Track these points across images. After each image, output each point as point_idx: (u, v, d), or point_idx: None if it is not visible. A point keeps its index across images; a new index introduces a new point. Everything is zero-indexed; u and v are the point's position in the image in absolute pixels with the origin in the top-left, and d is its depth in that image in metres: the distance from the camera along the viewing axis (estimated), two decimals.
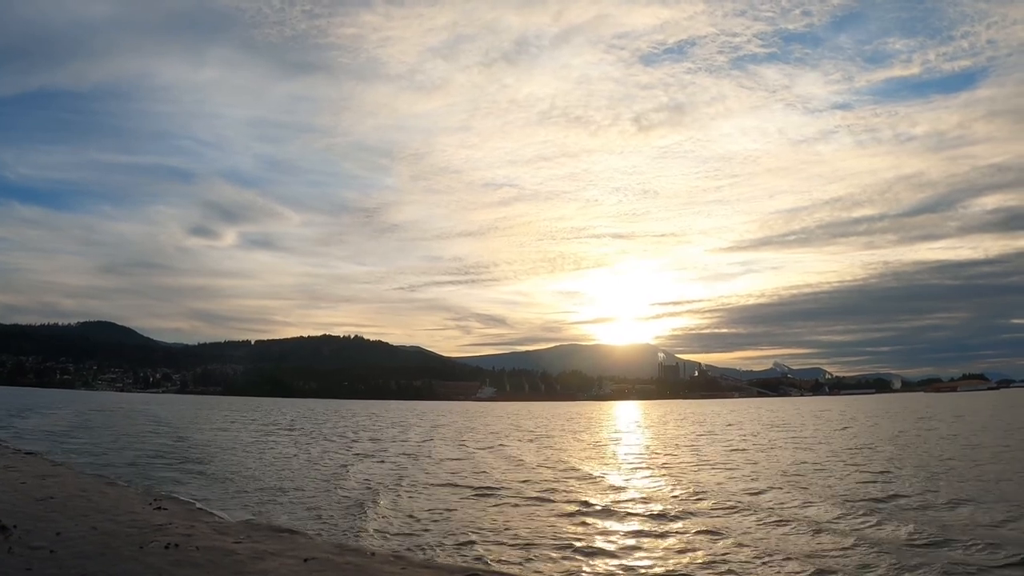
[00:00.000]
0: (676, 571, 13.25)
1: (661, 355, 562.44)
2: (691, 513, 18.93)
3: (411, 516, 17.31)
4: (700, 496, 21.90)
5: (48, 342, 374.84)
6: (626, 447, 44.31)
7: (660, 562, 13.91)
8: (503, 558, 13.08)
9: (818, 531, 16.51)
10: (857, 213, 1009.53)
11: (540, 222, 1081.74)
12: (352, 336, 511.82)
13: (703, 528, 16.87)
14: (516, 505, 19.70)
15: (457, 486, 23.48)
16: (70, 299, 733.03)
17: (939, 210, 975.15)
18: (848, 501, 20.60)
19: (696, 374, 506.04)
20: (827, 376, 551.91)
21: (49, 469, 22.36)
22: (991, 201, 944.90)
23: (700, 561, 13.83)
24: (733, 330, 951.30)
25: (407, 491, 21.76)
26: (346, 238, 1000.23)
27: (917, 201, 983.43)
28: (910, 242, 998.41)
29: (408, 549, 13.20)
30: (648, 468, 31.18)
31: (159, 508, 15.40)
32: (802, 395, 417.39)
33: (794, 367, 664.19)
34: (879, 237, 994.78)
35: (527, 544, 14.39)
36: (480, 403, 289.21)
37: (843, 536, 15.87)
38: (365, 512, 17.29)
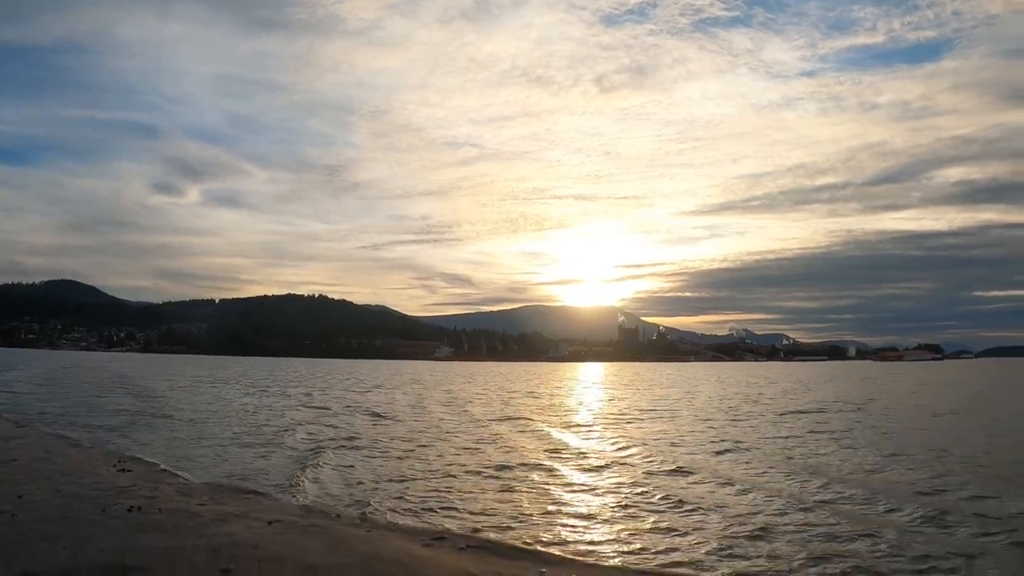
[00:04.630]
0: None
1: (621, 318, 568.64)
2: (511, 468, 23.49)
3: (352, 476, 19.33)
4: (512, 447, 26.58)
5: (12, 301, 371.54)
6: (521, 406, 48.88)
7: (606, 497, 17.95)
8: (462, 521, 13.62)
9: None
10: (820, 181, 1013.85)
11: (502, 182, 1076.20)
12: (316, 295, 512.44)
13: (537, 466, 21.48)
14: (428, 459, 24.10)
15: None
16: (34, 257, 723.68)
17: (902, 180, 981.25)
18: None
19: (655, 337, 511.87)
20: (785, 342, 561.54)
21: (12, 431, 22.62)
22: (955, 173, 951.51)
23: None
24: (697, 294, 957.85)
25: (350, 450, 24.66)
26: (310, 195, 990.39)
27: (880, 170, 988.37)
28: (873, 211, 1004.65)
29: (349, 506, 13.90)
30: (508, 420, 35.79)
31: (123, 470, 15.70)
32: (757, 360, 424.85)
33: (757, 332, 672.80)
34: (842, 205, 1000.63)
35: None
36: (436, 363, 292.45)
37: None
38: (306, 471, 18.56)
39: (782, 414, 41.02)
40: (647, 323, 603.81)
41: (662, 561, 11.40)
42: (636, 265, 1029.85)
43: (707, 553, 11.91)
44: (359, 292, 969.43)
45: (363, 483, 17.39)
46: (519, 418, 37.70)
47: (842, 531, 13.45)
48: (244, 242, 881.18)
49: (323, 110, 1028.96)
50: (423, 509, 14.56)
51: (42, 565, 8.34)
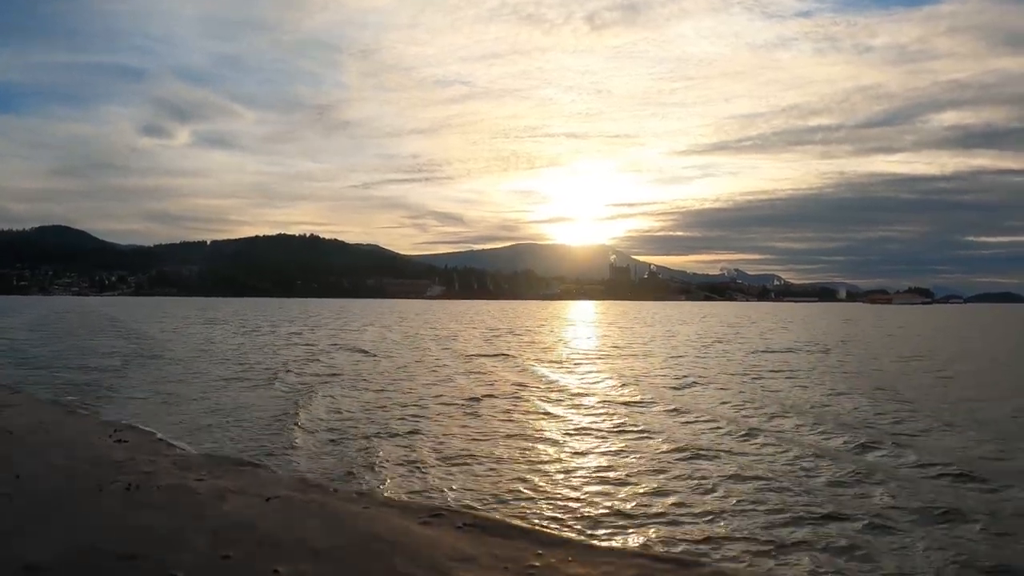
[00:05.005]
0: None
1: (613, 257, 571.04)
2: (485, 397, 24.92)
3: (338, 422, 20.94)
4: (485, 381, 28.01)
5: (3, 248, 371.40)
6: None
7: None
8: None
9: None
10: (814, 122, 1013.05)
11: (493, 120, 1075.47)
12: (308, 235, 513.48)
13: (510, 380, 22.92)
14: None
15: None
16: (22, 203, 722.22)
17: (896, 123, 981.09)
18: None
19: (646, 276, 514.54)
20: (777, 283, 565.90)
21: (7, 398, 21.69)
22: (949, 118, 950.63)
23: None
24: (689, 234, 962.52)
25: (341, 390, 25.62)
26: (299, 135, 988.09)
27: (874, 113, 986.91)
28: (866, 153, 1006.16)
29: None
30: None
31: (120, 441, 15.04)
32: (748, 300, 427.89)
33: (749, 272, 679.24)
34: (836, 147, 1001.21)
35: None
36: (427, 301, 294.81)
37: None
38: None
39: (752, 353, 42.64)
40: (639, 262, 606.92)
41: (601, 472, 12.81)
42: (628, 204, 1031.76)
43: (639, 470, 13.29)
44: (351, 231, 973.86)
45: (352, 417, 18.76)
46: (498, 354, 39.12)
47: (767, 453, 14.89)
48: (234, 183, 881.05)
49: (312, 50, 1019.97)
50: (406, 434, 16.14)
51: (45, 555, 8.34)
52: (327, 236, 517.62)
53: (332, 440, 16.10)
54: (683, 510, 11.01)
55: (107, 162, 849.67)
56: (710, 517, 10.67)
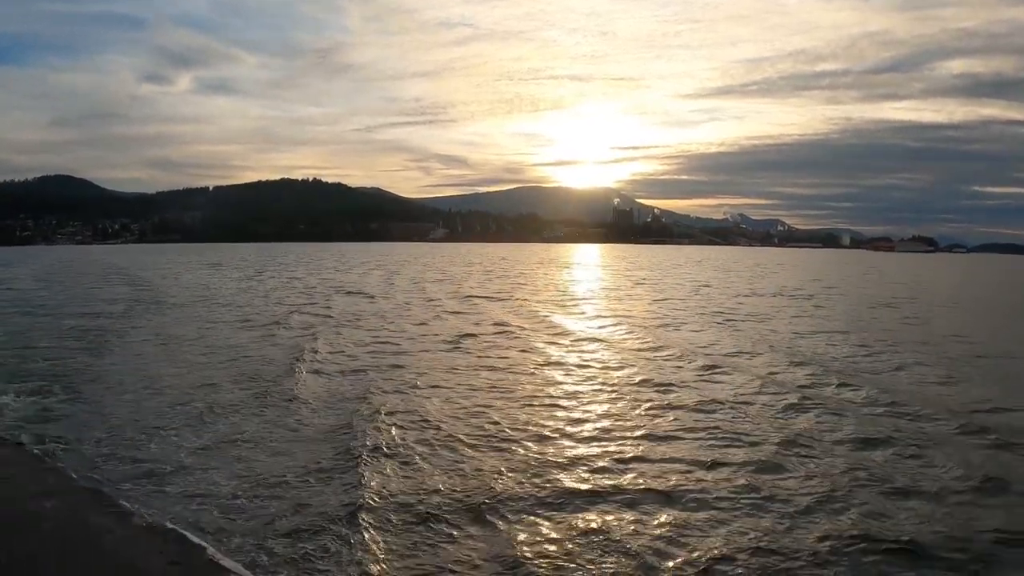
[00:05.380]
0: None
1: (616, 200, 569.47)
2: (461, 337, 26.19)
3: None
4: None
5: (4, 199, 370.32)
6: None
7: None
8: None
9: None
10: (820, 67, 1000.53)
11: (496, 62, 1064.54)
12: (311, 179, 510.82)
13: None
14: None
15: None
16: (24, 155, 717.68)
17: (904, 70, 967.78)
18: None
19: (650, 220, 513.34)
20: (780, 228, 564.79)
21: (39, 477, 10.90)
22: (958, 66, 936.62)
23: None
24: (693, 177, 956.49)
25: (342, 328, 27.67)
26: (301, 80, 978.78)
27: (882, 59, 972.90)
28: (873, 100, 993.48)
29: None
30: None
31: (173, 563, 8.66)
32: (751, 245, 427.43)
33: (754, 217, 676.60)
34: (842, 93, 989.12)
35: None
36: (430, 244, 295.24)
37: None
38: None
39: (735, 296, 44.23)
40: (643, 205, 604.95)
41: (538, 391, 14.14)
42: (632, 147, 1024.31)
43: (596, 397, 14.60)
44: (354, 175, 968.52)
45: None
46: (494, 296, 40.40)
47: (716, 385, 16.19)
48: (237, 129, 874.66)
49: None
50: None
51: None
52: (330, 180, 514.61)
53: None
54: (626, 433, 12.35)
55: (108, 111, 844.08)
56: (646, 440, 12.01)
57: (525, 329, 26.22)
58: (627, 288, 50.17)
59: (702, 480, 10.04)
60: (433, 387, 15.89)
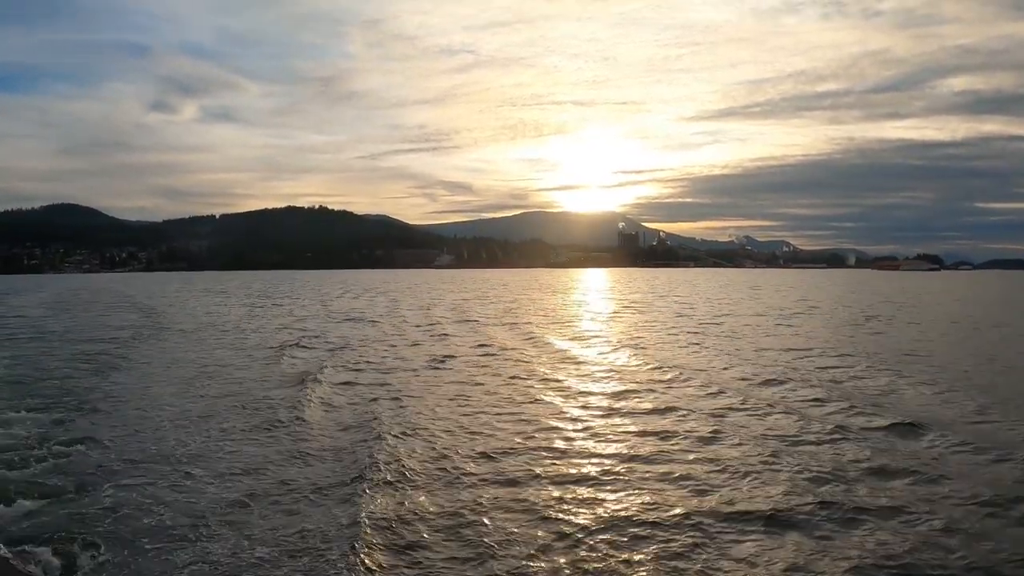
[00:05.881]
0: None
1: (621, 224, 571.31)
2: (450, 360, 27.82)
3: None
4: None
5: (13, 228, 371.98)
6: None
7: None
8: None
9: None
10: (821, 87, 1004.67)
11: (499, 89, 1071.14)
12: (317, 207, 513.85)
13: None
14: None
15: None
16: (31, 183, 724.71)
17: (905, 88, 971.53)
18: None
19: (655, 243, 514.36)
20: (786, 249, 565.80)
21: None
22: (958, 83, 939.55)
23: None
24: (698, 200, 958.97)
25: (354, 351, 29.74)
26: (305, 108, 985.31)
27: (883, 78, 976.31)
28: (875, 119, 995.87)
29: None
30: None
31: None
32: (756, 267, 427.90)
33: (759, 239, 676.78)
34: (844, 112, 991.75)
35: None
36: (435, 271, 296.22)
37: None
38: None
39: (716, 316, 46.23)
40: (648, 229, 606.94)
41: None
42: (636, 171, 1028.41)
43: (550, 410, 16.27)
44: (359, 202, 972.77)
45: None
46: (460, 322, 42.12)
47: (681, 389, 17.84)
48: (242, 157, 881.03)
49: (315, 22, 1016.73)
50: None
51: None
52: (336, 208, 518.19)
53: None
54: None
55: (114, 139, 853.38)
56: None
57: (505, 352, 27.87)
58: (613, 310, 52.05)
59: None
60: (437, 406, 17.34)
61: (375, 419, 15.67)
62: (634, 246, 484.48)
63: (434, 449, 13.30)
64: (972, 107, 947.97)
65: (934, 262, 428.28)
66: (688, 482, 11.31)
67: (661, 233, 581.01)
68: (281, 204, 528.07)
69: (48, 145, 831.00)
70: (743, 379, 20.82)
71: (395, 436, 14.17)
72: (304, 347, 29.66)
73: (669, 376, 21.37)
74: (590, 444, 13.76)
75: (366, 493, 10.72)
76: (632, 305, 58.92)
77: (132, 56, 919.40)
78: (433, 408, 17.01)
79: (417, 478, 11.56)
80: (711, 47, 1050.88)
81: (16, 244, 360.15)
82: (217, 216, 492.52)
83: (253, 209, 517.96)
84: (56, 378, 21.89)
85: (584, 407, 17.14)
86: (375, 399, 18.07)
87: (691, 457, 12.70)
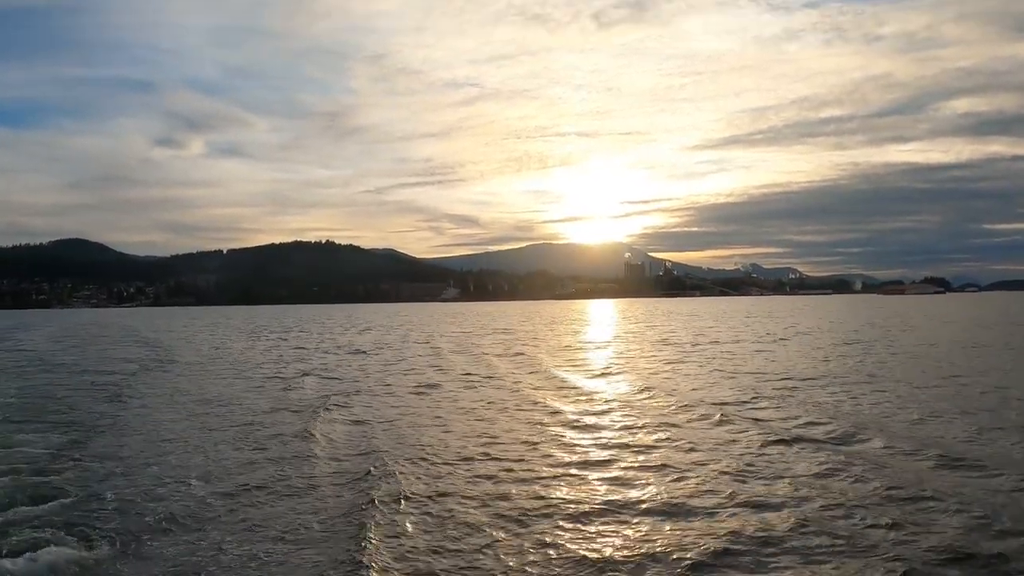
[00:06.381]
0: None
1: (627, 255, 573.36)
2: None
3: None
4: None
5: (21, 263, 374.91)
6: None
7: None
8: None
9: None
10: (825, 113, 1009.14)
11: (504, 121, 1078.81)
12: (323, 241, 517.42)
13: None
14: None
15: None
16: (39, 217, 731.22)
17: (908, 112, 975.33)
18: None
19: (661, 274, 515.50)
20: (792, 276, 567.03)
21: None
22: (961, 105, 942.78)
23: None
24: (704, 229, 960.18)
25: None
26: (311, 142, 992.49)
27: (886, 102, 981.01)
28: (879, 143, 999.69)
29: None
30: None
31: None
32: (762, 295, 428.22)
33: (766, 266, 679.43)
34: (848, 138, 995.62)
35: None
36: (441, 304, 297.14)
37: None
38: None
39: (699, 343, 48.02)
40: (655, 259, 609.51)
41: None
42: (642, 201, 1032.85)
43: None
44: (366, 236, 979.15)
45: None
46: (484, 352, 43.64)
47: (660, 406, 19.35)
48: (249, 192, 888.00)
49: (319, 56, 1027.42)
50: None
51: None
52: (343, 242, 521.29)
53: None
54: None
55: (121, 174, 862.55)
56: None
57: (482, 378, 29.44)
58: (604, 340, 53.64)
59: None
60: (443, 432, 18.19)
61: (376, 451, 15.95)
62: (640, 276, 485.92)
63: (437, 478, 13.51)
64: (975, 128, 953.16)
65: (940, 285, 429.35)
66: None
67: (667, 263, 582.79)
68: (288, 238, 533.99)
69: (55, 180, 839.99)
70: (684, 398, 22.29)
71: (398, 464, 14.46)
72: (310, 377, 30.99)
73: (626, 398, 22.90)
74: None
75: (370, 523, 10.79)
76: (621, 336, 60.19)
77: (137, 91, 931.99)
78: (438, 436, 17.72)
79: (420, 508, 11.66)
80: (714, 76, 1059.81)
81: (24, 279, 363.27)
82: (225, 251, 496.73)
83: (260, 244, 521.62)
84: (64, 405, 23.45)
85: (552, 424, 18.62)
86: (376, 428, 18.84)
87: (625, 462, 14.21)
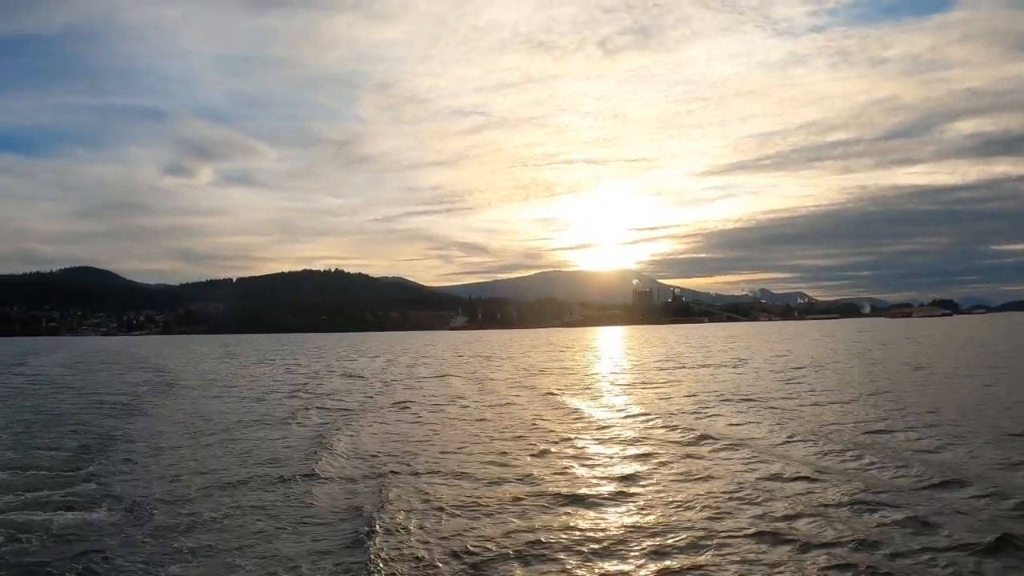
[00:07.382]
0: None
1: (635, 281, 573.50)
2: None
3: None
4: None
5: (31, 290, 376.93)
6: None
7: None
8: None
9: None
10: (832, 137, 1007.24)
11: (511, 149, 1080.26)
12: (333, 269, 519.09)
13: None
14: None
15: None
16: (49, 245, 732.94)
17: (915, 134, 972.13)
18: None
19: (670, 300, 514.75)
20: (801, 301, 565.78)
21: None
22: (967, 126, 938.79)
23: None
24: (712, 255, 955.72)
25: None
26: (320, 171, 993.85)
27: (892, 125, 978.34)
28: (886, 166, 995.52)
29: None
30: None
31: None
32: (771, 320, 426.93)
33: (775, 291, 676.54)
34: (855, 161, 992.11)
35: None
36: (450, 332, 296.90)
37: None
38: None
39: (681, 367, 49.61)
40: (663, 285, 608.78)
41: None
42: (650, 227, 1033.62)
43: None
44: (375, 264, 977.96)
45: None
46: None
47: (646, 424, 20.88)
48: (258, 220, 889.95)
49: (328, 85, 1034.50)
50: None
51: None
52: (352, 270, 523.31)
53: None
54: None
55: (131, 202, 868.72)
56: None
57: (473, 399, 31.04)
58: (594, 363, 55.49)
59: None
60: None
61: (380, 475, 16.00)
62: (648, 303, 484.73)
63: (437, 498, 13.62)
64: (982, 149, 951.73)
65: (948, 307, 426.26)
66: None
67: (676, 289, 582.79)
68: (298, 267, 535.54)
69: (66, 207, 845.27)
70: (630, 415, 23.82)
71: (399, 488, 14.50)
72: (315, 406, 31.06)
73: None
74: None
75: (374, 545, 10.81)
76: (618, 367, 61.61)
77: (148, 119, 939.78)
78: (436, 455, 18.23)
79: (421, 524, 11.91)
80: (720, 101, 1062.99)
81: (35, 306, 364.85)
82: (234, 279, 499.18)
83: (270, 272, 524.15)
84: (74, 423, 25.07)
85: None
86: (379, 449, 19.31)
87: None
